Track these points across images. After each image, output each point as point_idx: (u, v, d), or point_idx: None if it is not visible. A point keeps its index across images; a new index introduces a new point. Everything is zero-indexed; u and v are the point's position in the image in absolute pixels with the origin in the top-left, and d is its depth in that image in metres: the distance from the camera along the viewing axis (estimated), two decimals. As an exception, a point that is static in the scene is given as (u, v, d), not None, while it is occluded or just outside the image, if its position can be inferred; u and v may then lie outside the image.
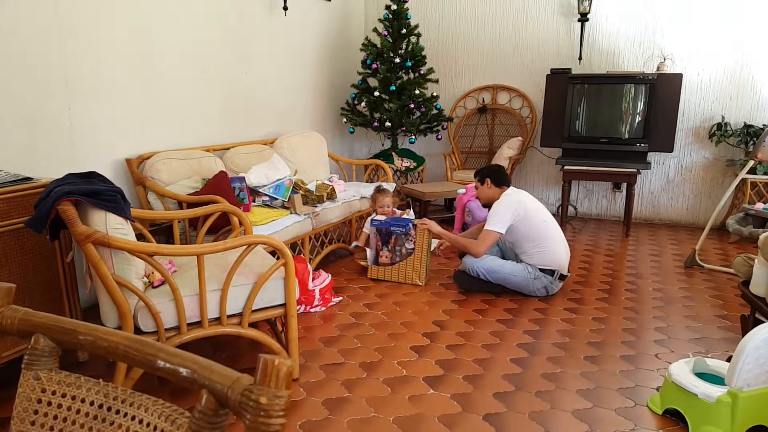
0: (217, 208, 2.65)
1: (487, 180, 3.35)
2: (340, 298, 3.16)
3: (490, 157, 5.59)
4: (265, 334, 2.16)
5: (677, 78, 4.51)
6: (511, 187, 3.35)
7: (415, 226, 3.35)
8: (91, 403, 0.67)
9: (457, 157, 5.64)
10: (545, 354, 2.52)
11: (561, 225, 4.83)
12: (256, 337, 2.14)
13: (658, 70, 4.71)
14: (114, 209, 1.90)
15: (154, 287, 2.06)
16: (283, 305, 2.20)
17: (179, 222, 2.82)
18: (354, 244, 3.93)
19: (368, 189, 4.24)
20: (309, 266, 3.14)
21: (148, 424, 0.63)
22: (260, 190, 3.33)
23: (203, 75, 3.73)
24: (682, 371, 2.05)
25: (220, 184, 3.03)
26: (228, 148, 3.84)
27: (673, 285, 3.51)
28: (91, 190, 1.88)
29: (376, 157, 5.43)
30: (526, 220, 3.17)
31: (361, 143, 5.97)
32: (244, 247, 2.07)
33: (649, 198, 5.26)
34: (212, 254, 2.30)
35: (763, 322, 2.19)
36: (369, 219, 3.74)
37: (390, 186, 4.52)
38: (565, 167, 4.71)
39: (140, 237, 2.44)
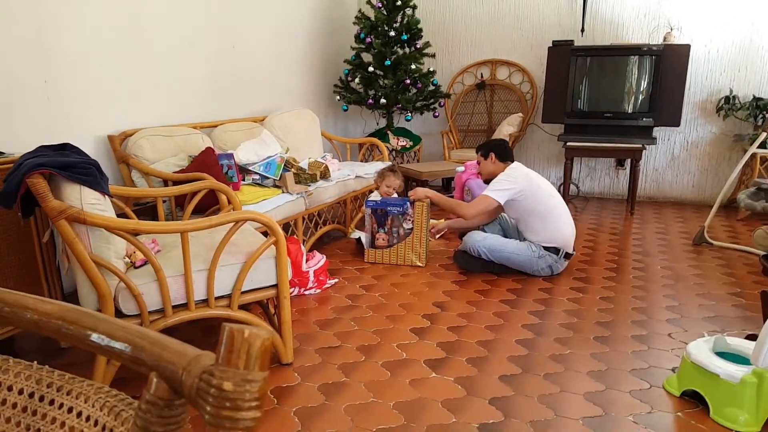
0: (204, 185, 2.50)
1: (491, 154, 3.20)
2: (336, 280, 3.03)
3: (489, 134, 5.43)
4: (256, 317, 2.03)
5: (684, 49, 4.35)
6: (516, 162, 3.20)
7: (412, 203, 3.20)
8: (20, 392, 0.54)
9: (455, 136, 5.48)
10: (552, 335, 2.40)
11: (563, 203, 4.73)
12: (246, 319, 2.00)
13: (664, 40, 4.54)
14: (89, 183, 1.75)
15: (136, 267, 1.92)
16: (275, 286, 2.06)
17: (164, 201, 2.67)
18: (357, 235, 3.67)
19: (363, 168, 4.09)
20: (302, 247, 3.00)
21: (87, 418, 0.50)
22: (250, 168, 3.17)
23: (190, 49, 3.55)
24: (701, 351, 1.93)
25: (207, 161, 2.88)
26: (216, 126, 3.67)
27: (682, 262, 3.39)
28: (65, 162, 1.73)
29: (371, 136, 5.26)
30: (531, 194, 3.02)
31: (355, 122, 5.80)
32: (232, 224, 1.92)
33: (653, 175, 5.12)
34: (198, 232, 2.16)
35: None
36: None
37: (386, 166, 4.36)
38: (568, 143, 4.56)
39: (123, 217, 2.29)
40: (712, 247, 3.68)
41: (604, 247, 3.69)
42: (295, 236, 3.21)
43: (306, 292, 2.84)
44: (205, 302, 1.95)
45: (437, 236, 3.70)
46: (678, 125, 4.53)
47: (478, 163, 3.34)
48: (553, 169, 5.44)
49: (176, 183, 2.83)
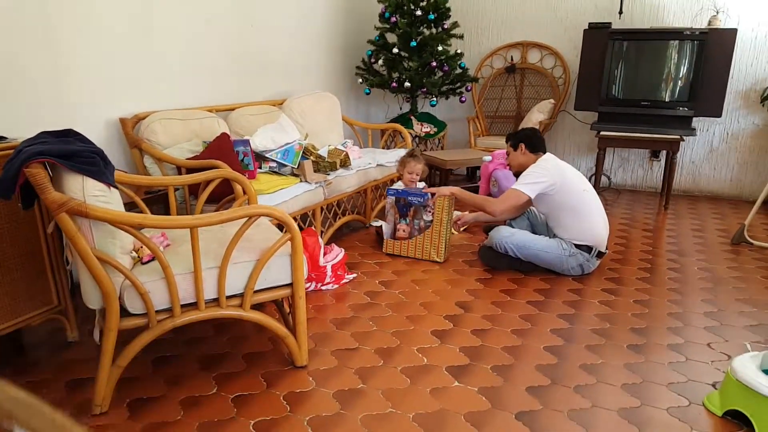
0: (217, 174, 2.39)
1: (521, 145, 3.02)
2: (354, 275, 2.91)
3: (518, 122, 5.22)
4: (269, 318, 1.92)
5: (731, 34, 4.06)
6: (548, 153, 3.02)
7: (432, 195, 3.05)
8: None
9: (482, 122, 5.28)
10: (583, 341, 2.25)
11: (593, 196, 4.52)
12: (259, 320, 1.89)
13: (709, 24, 4.26)
14: (93, 173, 1.64)
15: (143, 263, 1.82)
16: (290, 285, 1.95)
17: (177, 189, 2.58)
18: (378, 223, 3.57)
19: (385, 156, 3.94)
20: (320, 240, 2.88)
21: None
22: (267, 155, 3.05)
23: (207, 28, 3.42)
24: (747, 368, 1.76)
25: (222, 148, 2.76)
26: (233, 109, 3.56)
27: (721, 264, 3.18)
28: (67, 150, 1.62)
29: (393, 121, 5.10)
30: (563, 188, 2.84)
31: (377, 106, 5.63)
32: (245, 219, 1.80)
33: (689, 168, 4.87)
34: (209, 227, 2.05)
35: None
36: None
37: (410, 153, 4.21)
38: (601, 133, 4.34)
39: (132, 206, 2.20)
40: (752, 248, 3.46)
41: (637, 245, 3.50)
42: (313, 227, 3.09)
43: (323, 288, 2.73)
44: (215, 301, 1.85)
45: (462, 229, 3.55)
46: (719, 116, 4.26)
47: (507, 153, 3.16)
48: (584, 159, 5.21)
49: (190, 170, 2.73)
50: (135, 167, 2.88)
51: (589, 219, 2.86)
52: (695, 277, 2.97)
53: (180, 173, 2.77)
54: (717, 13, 4.32)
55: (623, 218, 4.12)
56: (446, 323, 2.38)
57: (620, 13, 4.65)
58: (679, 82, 4.23)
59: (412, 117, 5.05)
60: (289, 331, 1.97)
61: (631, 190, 5.10)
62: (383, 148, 4.44)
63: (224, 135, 2.82)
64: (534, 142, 3.02)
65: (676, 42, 4.17)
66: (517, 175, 3.13)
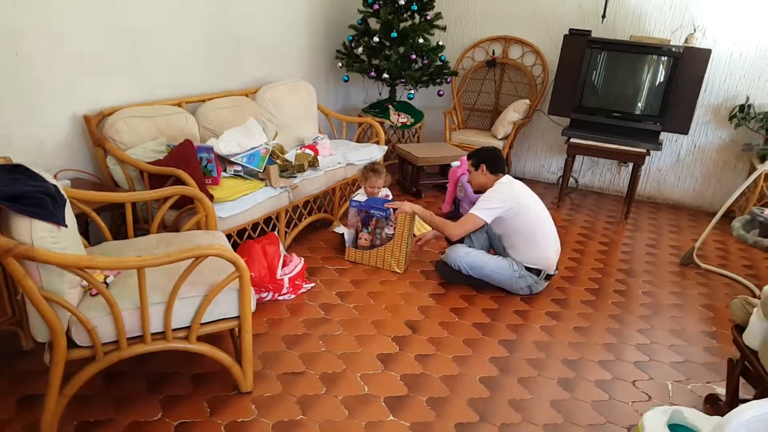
0: (175, 191, 2.42)
1: (482, 166, 3.08)
2: (312, 284, 2.99)
3: (495, 116, 5.24)
4: (215, 349, 2.01)
5: (705, 54, 4.09)
6: (506, 176, 3.09)
7: (394, 210, 3.11)
8: None
9: (459, 115, 5.29)
10: (517, 373, 2.39)
11: (560, 198, 4.62)
12: (204, 352, 1.98)
13: (686, 42, 4.27)
14: (41, 215, 1.67)
15: (92, 295, 1.88)
16: (238, 317, 2.03)
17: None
18: (341, 230, 3.59)
19: (356, 154, 3.96)
20: (281, 248, 2.95)
21: None
22: (232, 159, 3.06)
23: (183, 12, 3.33)
24: (656, 424, 1.91)
25: (185, 155, 2.77)
26: (203, 101, 3.53)
27: (665, 287, 3.34)
28: (13, 192, 1.64)
29: (372, 107, 5.09)
30: (518, 214, 2.93)
31: (357, 89, 5.58)
32: (192, 260, 1.86)
33: (655, 175, 4.98)
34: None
35: (750, 374, 2.03)
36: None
37: (381, 150, 4.23)
38: (571, 140, 4.40)
39: (83, 218, 2.23)
40: (699, 270, 3.62)
41: (590, 260, 3.64)
42: (276, 232, 3.14)
43: (280, 298, 2.82)
44: (162, 334, 1.92)
45: (423, 248, 3.60)
46: (686, 133, 4.35)
47: (468, 171, 3.22)
48: (555, 158, 5.28)
49: (152, 175, 2.75)
50: (99, 167, 2.89)
51: (540, 244, 2.96)
52: (637, 303, 3.12)
53: (142, 176, 2.79)
54: (695, 31, 4.32)
55: (583, 226, 4.24)
56: (393, 346, 2.50)
57: (603, 17, 4.62)
58: (652, 96, 4.27)
59: (390, 106, 5.04)
60: (235, 361, 2.07)
61: (598, 192, 5.21)
62: (357, 141, 4.44)
63: (187, 142, 2.82)
64: (495, 164, 3.08)
65: (654, 57, 4.18)
66: (477, 192, 3.20)
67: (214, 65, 3.72)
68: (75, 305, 1.77)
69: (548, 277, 3.05)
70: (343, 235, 3.46)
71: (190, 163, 2.78)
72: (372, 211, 3.18)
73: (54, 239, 1.70)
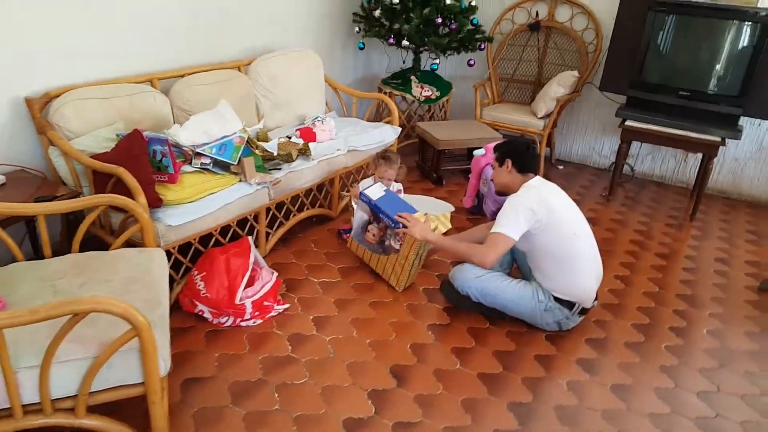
0: (100, 200, 1.93)
1: (508, 161, 2.41)
2: (287, 305, 2.47)
3: (536, 88, 4.47)
4: (114, 423, 1.52)
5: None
6: (537, 177, 2.42)
7: (404, 226, 2.48)
8: None
9: (494, 87, 4.54)
10: (528, 456, 1.80)
11: (611, 189, 3.87)
12: (97, 428, 1.50)
13: (785, 2, 3.35)
14: None
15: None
16: (143, 383, 1.53)
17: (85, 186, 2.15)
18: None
19: (362, 138, 3.35)
20: (253, 258, 2.41)
21: None
22: (200, 151, 2.53)
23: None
24: None
25: (132, 150, 2.26)
26: (182, 76, 2.99)
27: (738, 325, 2.61)
28: None
29: (394, 77, 4.43)
30: (547, 229, 2.26)
31: (380, 55, 4.89)
32: (69, 316, 1.36)
33: (731, 165, 4.12)
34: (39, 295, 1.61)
35: None
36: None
37: (395, 132, 3.60)
38: (627, 123, 3.62)
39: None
40: (785, 298, 2.87)
41: (642, 280, 2.93)
42: (252, 237, 2.61)
43: (243, 324, 2.31)
44: (39, 405, 1.45)
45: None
46: (777, 118, 3.48)
47: (492, 166, 2.56)
48: (608, 140, 4.49)
49: (95, 172, 2.27)
50: (44, 157, 2.43)
51: (576, 272, 2.30)
52: (699, 348, 2.43)
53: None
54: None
55: (637, 228, 3.51)
56: (368, 407, 1.95)
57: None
58: (731, 72, 3.41)
59: (413, 77, 4.36)
60: (143, 437, 1.58)
61: (658, 182, 4.40)
62: (368, 120, 3.82)
63: (136, 132, 2.30)
64: (523, 161, 2.40)
65: (735, 22, 3.31)
66: (499, 194, 2.56)
67: (200, 33, 3.16)
68: None
69: (583, 311, 2.40)
70: (339, 232, 2.89)
71: (138, 159, 2.26)
72: (380, 215, 2.59)
73: None
